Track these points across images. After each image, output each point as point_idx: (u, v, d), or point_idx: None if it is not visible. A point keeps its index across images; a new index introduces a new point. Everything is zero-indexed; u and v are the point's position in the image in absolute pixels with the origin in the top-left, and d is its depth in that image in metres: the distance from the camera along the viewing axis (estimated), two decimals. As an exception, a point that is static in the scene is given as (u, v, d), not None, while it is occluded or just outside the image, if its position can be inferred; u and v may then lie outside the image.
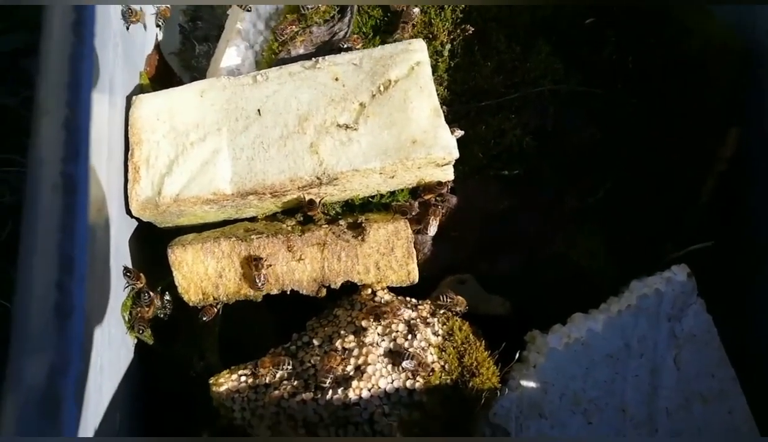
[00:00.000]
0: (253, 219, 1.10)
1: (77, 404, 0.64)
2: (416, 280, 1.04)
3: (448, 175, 1.07)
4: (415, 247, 1.06)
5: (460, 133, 1.11)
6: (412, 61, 1.04)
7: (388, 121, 1.01)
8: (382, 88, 1.03)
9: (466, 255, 1.13)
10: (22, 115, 1.36)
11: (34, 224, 0.67)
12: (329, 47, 1.17)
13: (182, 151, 1.03)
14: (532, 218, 1.15)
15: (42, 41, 0.79)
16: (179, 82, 1.36)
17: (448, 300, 1.01)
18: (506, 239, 1.14)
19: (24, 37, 1.48)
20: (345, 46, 1.15)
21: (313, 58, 1.06)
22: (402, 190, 1.11)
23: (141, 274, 1.00)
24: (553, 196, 1.16)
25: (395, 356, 0.92)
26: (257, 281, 0.99)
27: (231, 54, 1.25)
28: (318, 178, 1.00)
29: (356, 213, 1.10)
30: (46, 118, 0.72)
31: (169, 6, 1.33)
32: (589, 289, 1.14)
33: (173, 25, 1.43)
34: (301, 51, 1.18)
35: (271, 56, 1.19)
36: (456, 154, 1.01)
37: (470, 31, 1.19)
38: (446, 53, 1.20)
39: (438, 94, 1.06)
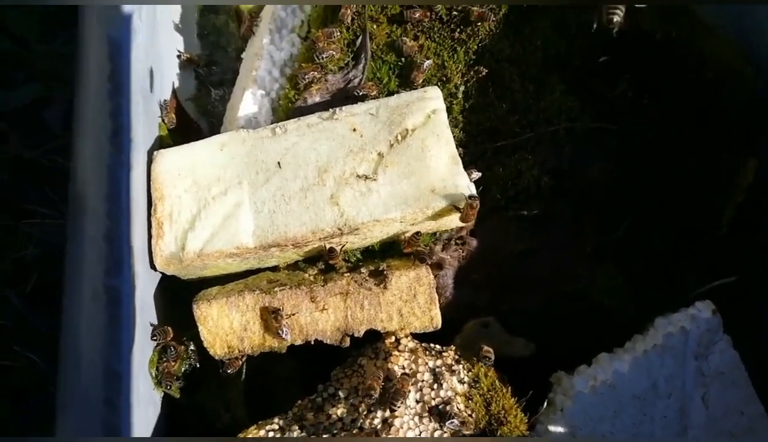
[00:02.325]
0: (275, 268, 1.11)
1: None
2: (439, 325, 1.04)
3: (467, 219, 1.08)
4: (437, 291, 1.06)
5: (477, 174, 1.12)
6: (428, 109, 1.05)
7: (406, 171, 1.02)
8: (399, 138, 1.04)
9: (487, 297, 1.13)
10: (44, 167, 1.39)
11: (76, 333, 0.68)
12: (344, 94, 1.18)
13: (204, 206, 1.04)
14: (552, 257, 1.15)
15: (75, 147, 0.80)
16: (197, 128, 1.39)
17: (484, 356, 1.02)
18: (527, 279, 1.15)
19: (42, 87, 1.51)
20: (360, 93, 1.16)
21: (331, 109, 1.07)
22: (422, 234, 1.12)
23: (169, 329, 1.01)
24: (572, 235, 1.16)
25: (437, 415, 0.93)
26: (280, 332, 0.99)
27: (247, 102, 1.27)
28: (339, 229, 1.01)
29: (377, 260, 1.11)
30: (86, 227, 0.72)
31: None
32: (612, 326, 1.13)
33: (189, 71, 1.46)
34: (318, 99, 1.19)
35: (288, 104, 1.21)
36: (475, 202, 1.01)
37: (483, 73, 1.20)
38: (460, 95, 1.21)
39: (454, 136, 1.07)
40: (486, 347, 1.03)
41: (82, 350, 0.68)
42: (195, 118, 1.43)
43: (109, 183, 0.76)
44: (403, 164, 1.02)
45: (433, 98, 1.06)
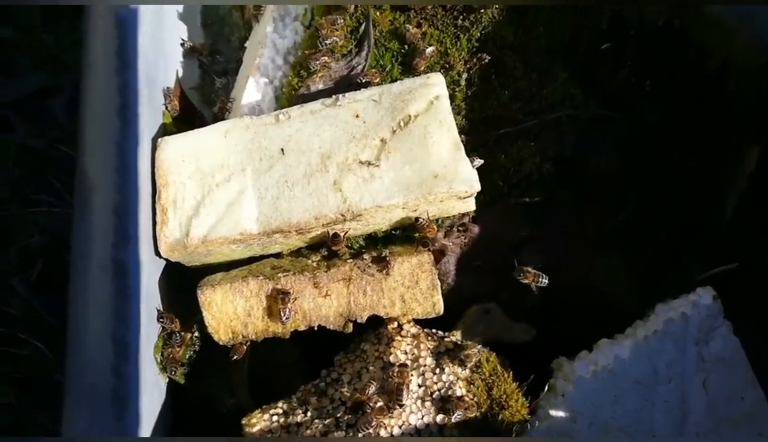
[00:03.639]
0: (278, 255, 1.12)
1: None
2: (441, 311, 1.05)
3: (469, 206, 1.08)
4: (438, 278, 1.06)
5: (479, 162, 1.12)
6: (431, 95, 1.05)
7: (409, 157, 1.02)
8: (402, 124, 1.04)
9: (489, 283, 1.14)
10: (49, 156, 1.39)
11: (84, 305, 0.68)
12: (347, 82, 1.19)
13: (208, 192, 1.04)
14: (554, 245, 1.15)
15: (82, 122, 0.81)
16: (200, 117, 1.39)
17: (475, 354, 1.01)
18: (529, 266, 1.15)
19: (48, 76, 1.51)
20: (363, 80, 1.16)
21: (334, 96, 1.08)
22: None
23: (174, 317, 1.02)
24: (574, 223, 1.16)
25: (440, 400, 0.93)
26: (282, 315, 1.00)
27: (251, 89, 1.27)
28: (342, 215, 1.01)
29: (380, 246, 1.11)
30: (94, 200, 0.73)
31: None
32: (614, 313, 1.14)
33: (192, 60, 1.46)
34: (321, 86, 1.20)
35: (291, 92, 1.21)
36: (477, 187, 1.02)
37: (486, 60, 1.20)
38: (463, 82, 1.21)
39: (456, 124, 1.07)
40: (468, 352, 0.99)
41: (90, 320, 0.69)
42: (198, 107, 1.43)
43: (118, 157, 0.77)
44: (405, 150, 1.03)
45: (436, 84, 1.06)
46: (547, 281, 1.08)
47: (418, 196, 1.00)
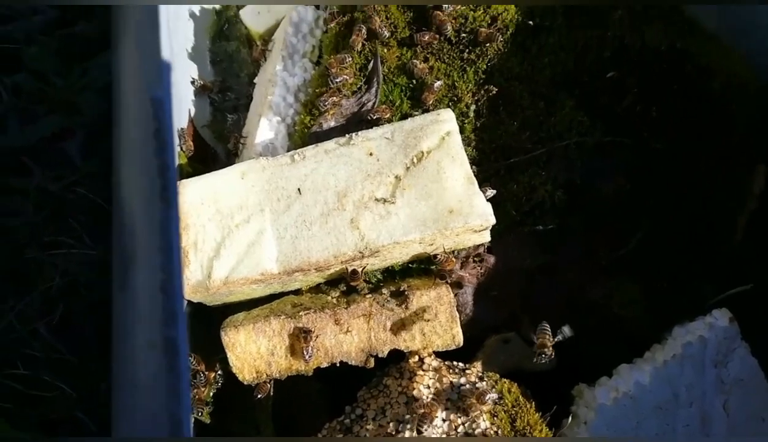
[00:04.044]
0: (298, 291, 1.13)
1: None
2: (461, 343, 1.06)
3: (484, 238, 1.10)
4: (457, 309, 1.08)
5: (492, 192, 1.14)
6: (442, 131, 1.08)
7: (424, 193, 1.04)
8: (415, 160, 1.06)
9: (507, 312, 1.15)
10: (66, 199, 1.42)
11: (133, 381, 0.70)
12: (358, 118, 1.21)
13: (228, 234, 1.06)
14: (569, 272, 1.17)
15: (119, 203, 0.82)
16: (213, 154, 1.42)
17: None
18: (545, 293, 1.16)
19: (61, 120, 1.54)
20: (374, 116, 1.18)
21: (347, 135, 1.10)
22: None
23: (200, 357, 1.03)
24: (587, 249, 1.18)
25: (464, 434, 0.95)
26: (305, 353, 1.02)
27: (264, 128, 1.30)
28: (360, 252, 1.03)
29: (397, 279, 1.13)
30: (138, 277, 0.74)
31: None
32: (631, 337, 1.15)
33: (203, 98, 1.49)
34: (332, 123, 1.22)
35: (303, 130, 1.24)
36: (492, 221, 1.03)
37: (494, 91, 1.23)
38: (472, 114, 1.23)
39: (467, 155, 1.09)
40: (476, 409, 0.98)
41: (139, 398, 0.70)
42: (211, 144, 1.46)
43: (162, 237, 0.78)
44: (420, 186, 1.05)
45: (447, 120, 1.08)
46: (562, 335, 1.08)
47: (434, 231, 1.02)
